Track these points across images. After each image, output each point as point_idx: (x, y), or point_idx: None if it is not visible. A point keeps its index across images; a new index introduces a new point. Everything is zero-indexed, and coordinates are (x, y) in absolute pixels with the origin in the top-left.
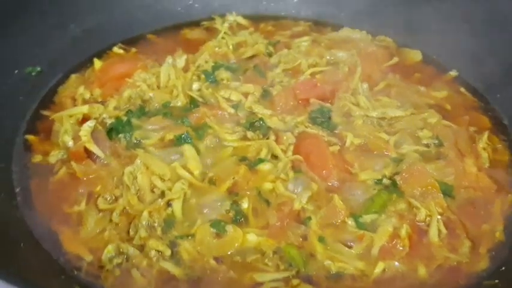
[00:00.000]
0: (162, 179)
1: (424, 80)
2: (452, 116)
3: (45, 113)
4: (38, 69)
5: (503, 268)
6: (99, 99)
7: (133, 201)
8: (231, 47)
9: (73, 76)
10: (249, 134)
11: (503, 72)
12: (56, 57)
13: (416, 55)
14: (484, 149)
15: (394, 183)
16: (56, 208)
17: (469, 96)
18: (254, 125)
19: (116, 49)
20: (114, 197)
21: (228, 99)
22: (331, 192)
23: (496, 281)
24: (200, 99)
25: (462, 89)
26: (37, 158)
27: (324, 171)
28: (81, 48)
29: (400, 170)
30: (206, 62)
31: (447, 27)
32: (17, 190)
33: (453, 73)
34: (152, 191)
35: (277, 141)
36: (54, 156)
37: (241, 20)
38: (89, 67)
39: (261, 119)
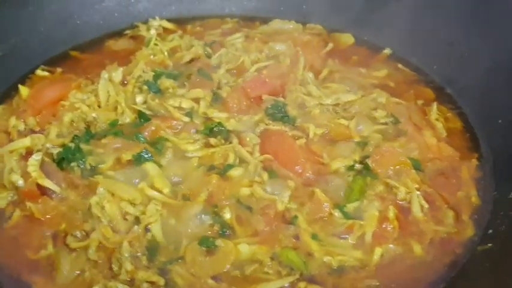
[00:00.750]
0: (133, 204)
1: (362, 62)
2: (398, 92)
3: None
4: None
5: (491, 231)
6: (37, 129)
7: (108, 233)
8: (166, 53)
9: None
10: (212, 140)
11: (435, 44)
12: None
13: (348, 38)
14: (437, 119)
15: (366, 167)
16: (21, 257)
17: (407, 71)
18: (213, 130)
19: (39, 72)
20: (84, 233)
21: (179, 108)
22: (309, 186)
23: (490, 244)
24: (149, 112)
25: (400, 65)
26: None
27: (296, 167)
28: (0, 76)
29: (368, 152)
30: (144, 72)
31: (372, 6)
32: None
33: (387, 51)
34: (125, 219)
35: (240, 143)
36: (3, 200)
37: (167, 24)
38: (14, 95)
39: (219, 123)
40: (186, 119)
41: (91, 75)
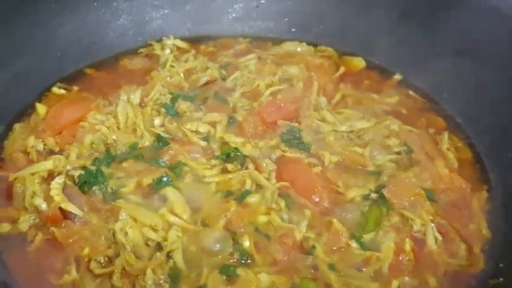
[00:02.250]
0: (155, 230)
1: (374, 87)
2: (410, 120)
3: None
4: None
5: (501, 265)
6: (56, 149)
7: (132, 259)
8: (182, 75)
9: (17, 126)
10: (229, 166)
11: (445, 72)
12: None
13: (359, 62)
14: (448, 149)
15: (382, 197)
16: (44, 281)
17: (418, 98)
18: (230, 155)
19: (55, 89)
20: (107, 258)
21: (196, 132)
22: (326, 216)
23: (501, 279)
24: (167, 135)
25: (410, 92)
26: (4, 228)
27: (313, 195)
28: (17, 94)
29: (383, 182)
30: (162, 94)
31: (384, 31)
32: None
33: (397, 76)
34: (147, 244)
35: (256, 169)
36: (25, 223)
37: (180, 43)
38: (30, 113)
39: (235, 148)
40: (203, 143)
41: (107, 94)
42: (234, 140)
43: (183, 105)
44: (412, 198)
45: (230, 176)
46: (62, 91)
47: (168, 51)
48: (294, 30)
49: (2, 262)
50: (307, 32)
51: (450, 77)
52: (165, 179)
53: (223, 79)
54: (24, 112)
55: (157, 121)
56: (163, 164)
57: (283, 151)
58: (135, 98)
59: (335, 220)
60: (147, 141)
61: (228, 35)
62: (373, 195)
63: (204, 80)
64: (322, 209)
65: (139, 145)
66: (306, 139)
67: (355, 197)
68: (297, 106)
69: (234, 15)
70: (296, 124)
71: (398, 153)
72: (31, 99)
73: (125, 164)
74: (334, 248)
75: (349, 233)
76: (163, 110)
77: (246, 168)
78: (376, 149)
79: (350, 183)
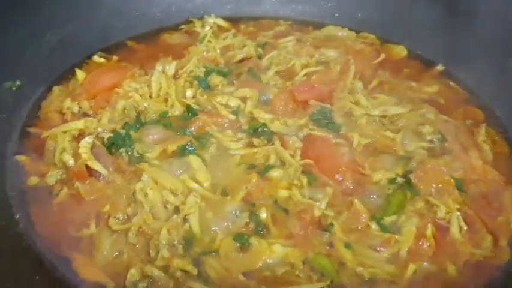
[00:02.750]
0: (174, 194)
1: (413, 75)
2: (447, 110)
3: (33, 130)
4: (18, 83)
5: None
6: (90, 113)
7: (149, 219)
8: (218, 51)
9: (56, 89)
10: (255, 140)
11: (490, 66)
12: (34, 69)
13: (401, 50)
14: (484, 141)
15: (408, 182)
16: (63, 233)
17: (459, 89)
18: (257, 130)
19: (96, 58)
20: (126, 216)
21: (226, 105)
22: (348, 196)
23: None
24: (197, 107)
25: (451, 83)
26: (33, 181)
27: (337, 175)
28: (59, 58)
29: (411, 168)
30: (196, 67)
31: (429, 21)
32: (17, 216)
33: (440, 67)
34: (165, 207)
35: (282, 146)
36: (52, 177)
37: (221, 22)
38: (70, 78)
39: (263, 124)
40: (232, 116)
41: (145, 66)
42: (263, 116)
43: (215, 79)
44: (440, 185)
45: (255, 150)
46: (102, 60)
47: (208, 28)
48: (337, 15)
49: (26, 213)
50: (351, 18)
51: (493, 70)
52: (190, 148)
53: (259, 57)
54: (65, 77)
55: (189, 93)
56: (190, 134)
57: (310, 129)
58: (170, 69)
59: (356, 200)
60: (177, 110)
61: (269, 16)
62: (400, 180)
63: (239, 57)
64: (345, 189)
65: (169, 114)
66: (337, 120)
67: (381, 180)
68: (331, 88)
69: None
70: (328, 105)
71: (431, 141)
72: (72, 65)
73: (153, 131)
74: (352, 227)
75: (370, 214)
76: (195, 82)
77: (272, 144)
78: (409, 135)
79: (377, 166)
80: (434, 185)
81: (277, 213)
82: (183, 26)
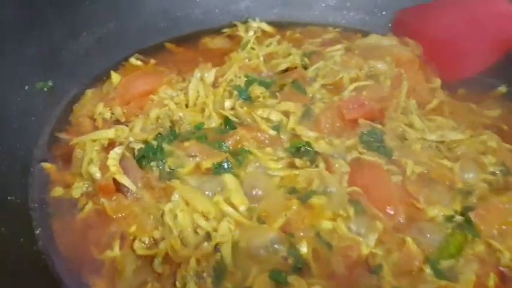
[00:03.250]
0: (206, 218)
1: (471, 97)
2: (511, 137)
3: (62, 135)
4: (50, 84)
5: None
6: (122, 119)
7: (177, 245)
8: (261, 58)
9: (89, 92)
10: (297, 161)
11: None
12: (68, 70)
13: None
14: None
15: (468, 221)
16: (85, 253)
17: None
18: (300, 150)
19: (133, 60)
20: (153, 240)
21: (267, 119)
22: (399, 233)
23: None
24: (235, 119)
25: None
26: (57, 192)
27: (388, 207)
28: (94, 59)
29: (471, 204)
30: (237, 76)
31: None
32: (37, 232)
33: (502, 89)
34: (195, 232)
35: (328, 169)
36: (78, 189)
37: (266, 27)
38: (105, 81)
39: (307, 143)
40: (273, 132)
41: (182, 70)
42: (307, 134)
43: (257, 90)
44: (504, 227)
45: (297, 172)
46: (139, 62)
47: (251, 33)
48: (390, 25)
49: (47, 228)
50: None
51: None
52: (225, 165)
53: (305, 68)
54: (99, 78)
55: (227, 103)
56: (226, 149)
57: (360, 153)
58: (209, 76)
59: (409, 239)
60: (213, 122)
61: (317, 23)
62: (458, 218)
63: (283, 66)
64: (396, 224)
65: (205, 126)
66: (389, 144)
67: (437, 216)
68: (383, 106)
69: (326, 3)
70: (379, 126)
71: (493, 173)
72: (108, 67)
73: (186, 144)
74: (404, 270)
75: (424, 256)
76: (235, 92)
77: (316, 166)
78: (468, 165)
79: (432, 199)
80: (496, 226)
81: (319, 248)
82: (225, 30)
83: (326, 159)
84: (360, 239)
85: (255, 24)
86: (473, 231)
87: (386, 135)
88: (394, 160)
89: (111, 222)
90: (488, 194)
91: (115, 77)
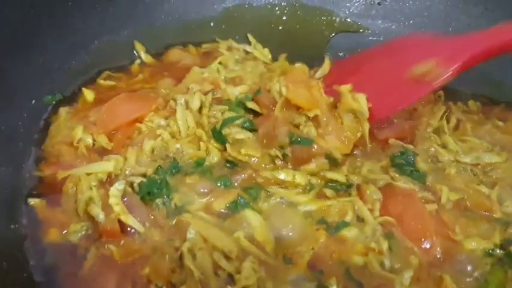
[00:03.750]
0: (228, 257)
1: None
2: None
3: (43, 169)
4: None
5: None
6: (109, 147)
7: None
8: (223, 77)
9: (63, 111)
10: (327, 191)
11: None
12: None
13: None
14: None
15: (509, 255)
16: None
17: None
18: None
19: (102, 82)
20: (170, 284)
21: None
22: (436, 268)
23: None
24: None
25: None
26: (52, 235)
27: (424, 239)
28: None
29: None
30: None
31: None
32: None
33: None
34: (216, 274)
35: (359, 196)
36: (76, 233)
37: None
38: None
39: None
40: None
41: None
42: (340, 178)
43: (237, 135)
44: None
45: (329, 202)
46: (110, 83)
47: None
48: None
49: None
50: None
51: None
52: (241, 201)
53: None
54: (73, 98)
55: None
56: (231, 185)
57: (392, 178)
58: (195, 103)
59: (447, 277)
60: (215, 157)
61: None
62: (498, 252)
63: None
64: (433, 259)
65: (207, 162)
66: (422, 167)
67: (475, 250)
68: (412, 124)
69: None
70: (411, 146)
71: None
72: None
73: (189, 180)
74: None
75: None
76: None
77: (349, 194)
78: (506, 191)
79: (470, 231)
80: None
81: (349, 287)
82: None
83: (358, 185)
84: (394, 277)
85: (235, 45)
86: None
87: (418, 156)
88: (428, 186)
89: (120, 268)
90: None
91: (88, 94)
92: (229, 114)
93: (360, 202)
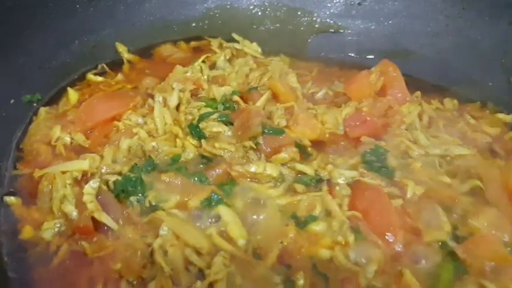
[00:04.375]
0: (199, 253)
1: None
2: None
3: (21, 167)
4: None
5: None
6: (86, 145)
7: (168, 286)
8: (205, 77)
9: (42, 110)
10: (298, 186)
11: None
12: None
13: None
14: None
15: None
16: None
17: None
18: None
19: (91, 76)
20: (141, 280)
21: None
22: (397, 262)
23: None
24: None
25: None
26: (26, 233)
27: (388, 233)
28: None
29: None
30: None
31: None
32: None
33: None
34: (186, 269)
35: (329, 192)
36: (49, 231)
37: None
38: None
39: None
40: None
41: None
42: (309, 171)
43: (213, 128)
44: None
45: (299, 197)
46: (99, 78)
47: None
48: None
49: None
50: None
51: None
52: (214, 197)
53: None
54: (55, 99)
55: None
56: (206, 181)
57: (361, 174)
58: (173, 100)
59: (407, 271)
60: (190, 153)
61: None
62: (451, 243)
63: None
64: (395, 253)
65: (182, 158)
66: (391, 163)
67: (432, 241)
68: (385, 122)
69: None
70: (383, 143)
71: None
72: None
73: (164, 177)
74: None
75: None
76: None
77: (320, 190)
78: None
79: (430, 223)
80: (487, 262)
81: (316, 280)
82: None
83: (328, 181)
84: (358, 269)
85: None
86: (461, 267)
87: (389, 153)
88: (395, 181)
89: (91, 263)
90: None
91: (72, 94)
92: (205, 110)
93: (328, 197)
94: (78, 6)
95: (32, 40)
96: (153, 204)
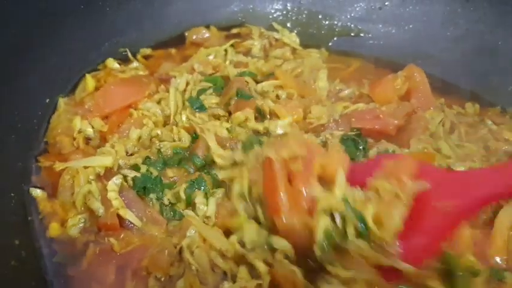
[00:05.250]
0: (224, 256)
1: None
2: None
3: (43, 160)
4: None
5: None
6: (104, 129)
7: (196, 284)
8: (228, 62)
9: (61, 101)
10: None
11: None
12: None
13: None
14: None
15: None
16: None
17: None
18: None
19: (110, 61)
20: (168, 277)
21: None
22: None
23: None
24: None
25: None
26: (53, 230)
27: None
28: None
29: None
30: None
31: None
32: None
33: None
34: (213, 270)
35: None
36: (75, 227)
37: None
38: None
39: None
40: None
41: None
42: None
43: (211, 100)
44: None
45: None
46: (117, 65)
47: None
48: None
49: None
50: None
51: None
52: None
53: None
54: (72, 88)
55: (184, 116)
56: (199, 161)
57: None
58: (181, 83)
59: None
60: (186, 140)
61: None
62: None
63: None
64: None
65: (180, 150)
66: None
67: None
68: (401, 124)
69: None
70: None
71: None
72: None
73: (170, 173)
74: None
75: None
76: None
77: None
78: None
79: None
80: None
81: None
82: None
83: None
84: None
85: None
86: None
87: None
88: None
89: (119, 259)
90: None
91: (90, 80)
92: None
93: None
94: (108, 9)
95: (64, 42)
96: (172, 203)
